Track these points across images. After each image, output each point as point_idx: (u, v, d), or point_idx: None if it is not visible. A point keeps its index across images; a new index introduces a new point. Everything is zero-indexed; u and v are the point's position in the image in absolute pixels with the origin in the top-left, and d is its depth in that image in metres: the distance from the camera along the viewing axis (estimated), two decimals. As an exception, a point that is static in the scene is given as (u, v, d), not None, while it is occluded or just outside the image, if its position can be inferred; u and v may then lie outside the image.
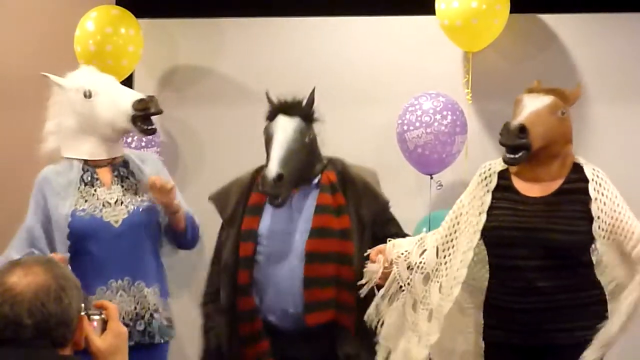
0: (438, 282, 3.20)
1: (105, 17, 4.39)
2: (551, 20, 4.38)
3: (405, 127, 4.11)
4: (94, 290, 3.27)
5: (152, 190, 3.33)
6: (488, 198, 3.15)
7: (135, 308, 3.33)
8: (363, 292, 3.21)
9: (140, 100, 3.31)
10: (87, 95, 3.32)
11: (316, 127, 3.49)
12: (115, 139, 3.42)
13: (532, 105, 3.10)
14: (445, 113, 4.09)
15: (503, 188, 3.14)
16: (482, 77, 4.28)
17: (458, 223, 3.17)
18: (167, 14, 4.68)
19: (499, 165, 3.16)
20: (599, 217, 3.05)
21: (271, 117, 3.41)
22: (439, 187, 4.21)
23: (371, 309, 3.20)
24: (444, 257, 3.21)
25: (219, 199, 3.56)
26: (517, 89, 4.24)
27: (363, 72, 4.53)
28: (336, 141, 4.04)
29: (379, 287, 3.27)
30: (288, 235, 3.41)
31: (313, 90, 3.38)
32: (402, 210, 3.86)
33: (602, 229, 3.06)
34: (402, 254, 3.23)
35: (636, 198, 4.10)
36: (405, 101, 4.17)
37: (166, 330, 3.41)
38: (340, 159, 3.51)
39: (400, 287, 3.25)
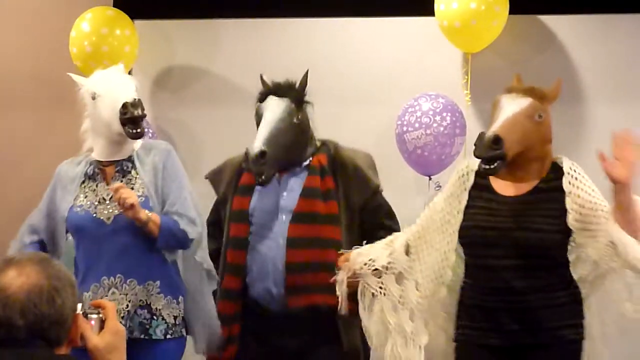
0: (414, 279, 3.19)
1: (100, 18, 4.47)
2: (550, 21, 4.41)
3: (405, 128, 4.13)
4: (88, 286, 3.29)
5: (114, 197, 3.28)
6: (465, 197, 3.14)
7: (128, 305, 3.31)
8: (341, 310, 3.19)
9: (124, 104, 3.30)
10: (94, 97, 3.35)
11: (310, 110, 3.47)
12: (120, 141, 3.38)
13: (509, 110, 3.05)
14: (444, 114, 4.10)
15: (480, 187, 3.13)
16: (481, 79, 4.28)
17: (432, 220, 3.17)
18: (163, 15, 4.68)
19: (477, 163, 3.13)
20: (572, 209, 3.02)
21: (262, 98, 3.44)
22: (437, 188, 4.18)
23: (364, 328, 3.20)
24: (417, 254, 3.19)
25: (214, 178, 3.59)
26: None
27: (362, 73, 4.55)
28: (336, 140, 3.93)
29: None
30: (274, 215, 3.42)
31: (306, 73, 3.44)
32: (399, 210, 3.85)
33: (577, 221, 3.03)
34: (366, 264, 3.21)
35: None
36: (404, 102, 4.18)
37: (156, 327, 3.36)
38: (334, 141, 3.50)
39: (373, 294, 3.24)
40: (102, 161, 3.40)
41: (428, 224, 3.20)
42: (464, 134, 4.10)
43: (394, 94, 4.41)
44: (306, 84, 3.46)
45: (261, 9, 4.61)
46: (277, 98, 3.45)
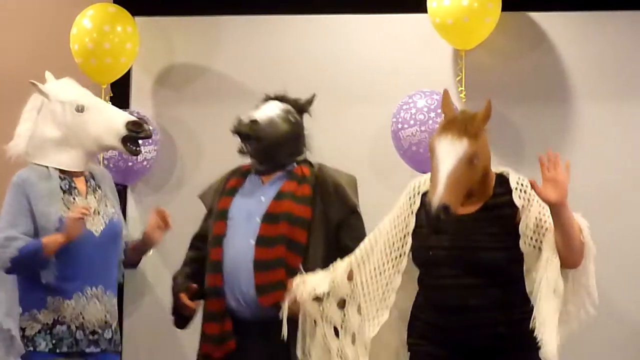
0: (356, 304, 3.23)
1: (101, 15, 4.50)
2: (542, 18, 4.45)
3: (400, 125, 4.20)
4: (70, 295, 3.41)
5: (158, 219, 3.54)
6: (412, 220, 3.13)
7: (106, 316, 3.49)
8: (283, 335, 3.27)
9: (135, 123, 3.50)
10: (79, 109, 3.47)
11: (307, 125, 3.59)
12: (97, 153, 3.62)
13: (448, 163, 2.97)
14: (439, 111, 4.03)
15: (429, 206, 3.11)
16: (475, 75, 4.35)
17: (376, 243, 3.22)
18: (164, 12, 4.73)
19: (424, 185, 3.17)
20: (527, 217, 3.00)
21: (265, 100, 3.65)
22: None
23: (299, 352, 3.29)
24: (360, 278, 3.24)
25: (203, 196, 3.76)
26: (509, 87, 4.35)
27: (357, 70, 4.59)
28: (331, 139, 4.24)
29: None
30: (250, 215, 3.54)
31: (313, 96, 3.60)
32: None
33: (530, 230, 3.02)
34: (308, 292, 3.26)
35: (619, 189, 4.34)
36: (399, 99, 4.27)
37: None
38: (321, 163, 3.65)
39: (314, 321, 3.29)
40: (69, 172, 3.49)
41: (372, 247, 3.23)
42: (458, 129, 4.17)
43: (389, 91, 4.46)
44: (310, 104, 3.64)
45: (260, 6, 4.65)
46: (278, 102, 3.62)
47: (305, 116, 3.78)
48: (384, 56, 4.58)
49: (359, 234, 3.54)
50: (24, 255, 3.39)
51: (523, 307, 3.02)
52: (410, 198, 3.18)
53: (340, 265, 3.29)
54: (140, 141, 3.62)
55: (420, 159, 4.19)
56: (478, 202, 3.07)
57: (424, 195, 3.10)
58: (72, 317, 3.49)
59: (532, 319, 2.99)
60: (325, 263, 3.43)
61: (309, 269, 3.39)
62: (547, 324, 2.98)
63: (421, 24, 4.38)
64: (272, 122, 3.57)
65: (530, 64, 4.42)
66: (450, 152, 2.97)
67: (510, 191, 3.03)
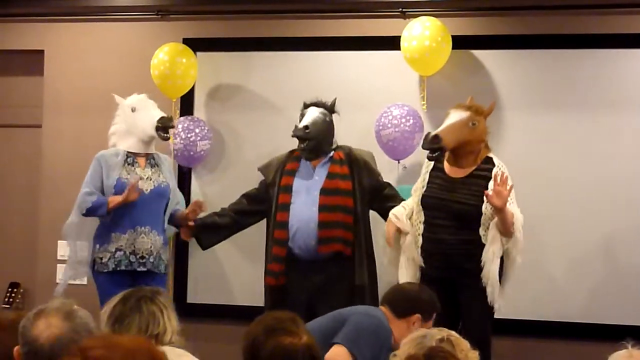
0: (413, 234, 3.98)
1: (174, 51, 5.13)
2: (480, 54, 5.00)
3: (381, 127, 4.81)
4: (125, 231, 4.28)
5: (195, 206, 4.34)
6: (427, 177, 3.92)
7: (150, 247, 4.28)
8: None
9: (162, 118, 4.29)
10: (133, 110, 4.39)
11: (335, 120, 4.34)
12: (147, 141, 4.32)
13: (453, 118, 3.78)
14: (408, 117, 4.78)
15: (437, 169, 3.88)
16: (433, 93, 4.86)
17: (415, 195, 3.99)
18: (215, 49, 5.33)
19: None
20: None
21: (305, 107, 4.38)
22: (403, 169, 4.91)
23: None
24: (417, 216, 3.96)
25: (264, 169, 4.53)
26: (457, 101, 4.48)
27: (354, 90, 5.08)
28: (337, 136, 4.76)
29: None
30: (310, 190, 4.29)
31: (335, 99, 4.41)
32: (378, 181, 4.50)
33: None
34: (405, 225, 3.85)
35: (534, 180, 4.75)
36: (381, 109, 4.85)
37: (166, 266, 4.37)
38: (348, 145, 4.40)
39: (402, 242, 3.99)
40: (134, 153, 4.31)
41: (412, 198, 4.00)
42: (422, 131, 4.71)
43: (375, 103, 4.95)
44: (334, 105, 4.38)
45: (280, 46, 5.22)
46: (316, 107, 4.34)
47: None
48: (372, 79, 5.08)
49: (387, 186, 4.32)
50: (94, 206, 4.24)
51: (483, 245, 3.76)
52: (427, 165, 3.93)
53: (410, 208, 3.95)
54: (170, 131, 4.35)
55: (394, 150, 4.81)
56: (468, 169, 3.79)
57: (435, 162, 3.89)
58: (127, 246, 4.29)
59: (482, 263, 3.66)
60: (363, 216, 4.19)
61: (357, 223, 4.14)
62: (490, 270, 3.69)
63: (397, 58, 4.89)
64: (316, 123, 4.22)
65: (471, 86, 4.83)
66: (456, 115, 3.77)
67: (491, 168, 3.71)
